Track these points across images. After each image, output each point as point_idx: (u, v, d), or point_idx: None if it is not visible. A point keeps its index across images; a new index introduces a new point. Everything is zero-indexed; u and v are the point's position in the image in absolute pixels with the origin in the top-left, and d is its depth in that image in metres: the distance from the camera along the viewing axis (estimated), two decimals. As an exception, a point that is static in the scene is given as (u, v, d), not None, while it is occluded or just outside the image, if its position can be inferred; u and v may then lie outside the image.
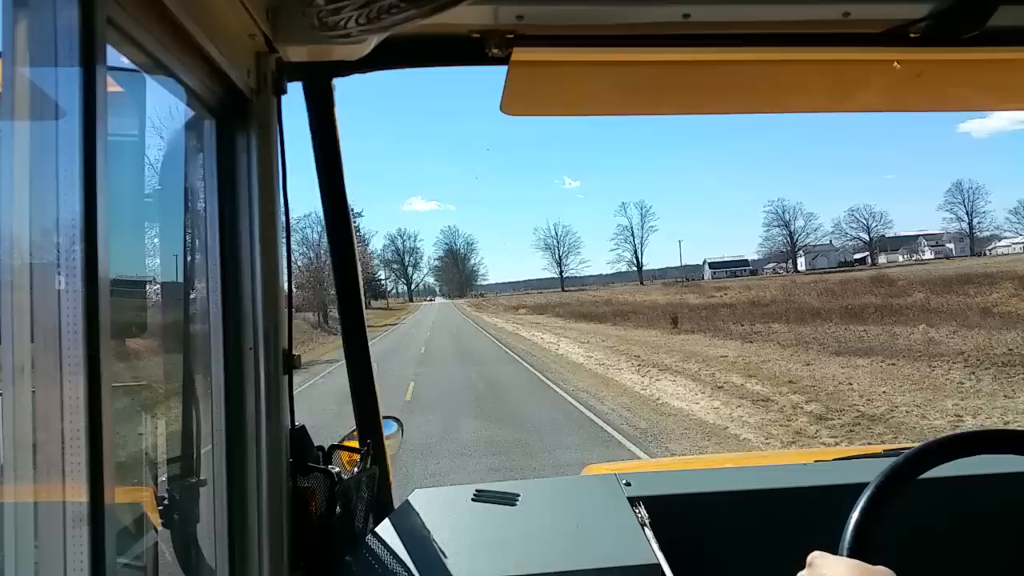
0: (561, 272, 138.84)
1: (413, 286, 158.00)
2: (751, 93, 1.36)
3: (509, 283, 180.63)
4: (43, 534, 0.52)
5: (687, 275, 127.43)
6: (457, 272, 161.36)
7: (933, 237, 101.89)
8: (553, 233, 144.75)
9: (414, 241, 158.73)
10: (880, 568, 0.69)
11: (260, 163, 0.99)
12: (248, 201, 0.98)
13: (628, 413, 10.25)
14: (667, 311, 31.80)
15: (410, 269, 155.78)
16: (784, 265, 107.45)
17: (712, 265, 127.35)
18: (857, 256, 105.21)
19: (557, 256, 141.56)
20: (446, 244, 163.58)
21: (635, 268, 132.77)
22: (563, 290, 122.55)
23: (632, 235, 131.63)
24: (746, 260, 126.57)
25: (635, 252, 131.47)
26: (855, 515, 0.80)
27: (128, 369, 0.92)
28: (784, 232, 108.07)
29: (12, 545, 0.52)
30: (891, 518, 0.81)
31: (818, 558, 0.73)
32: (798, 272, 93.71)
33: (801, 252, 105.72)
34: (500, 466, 7.30)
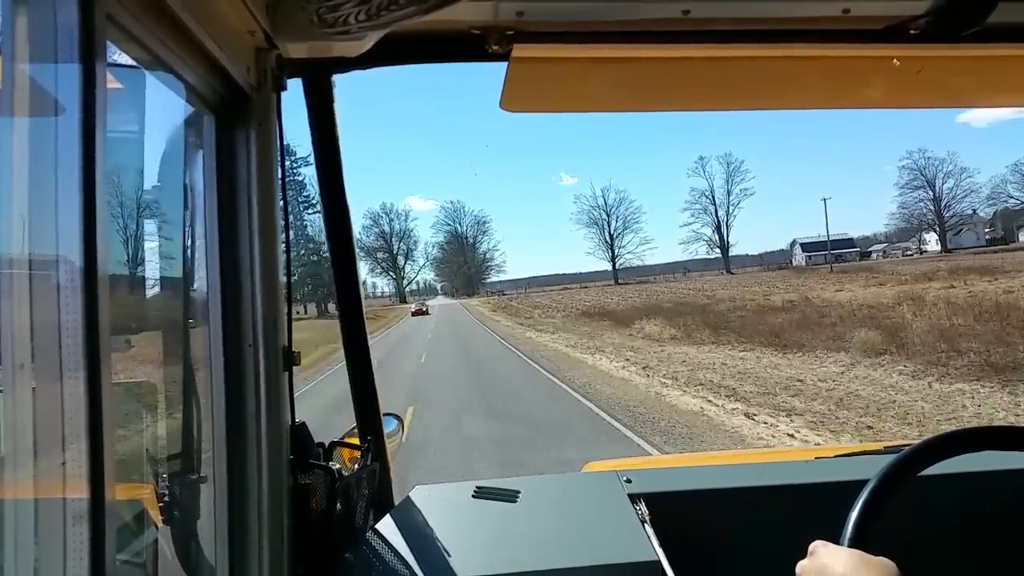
0: (614, 257, 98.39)
1: (407, 283, 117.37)
2: (751, 89, 1.35)
3: (535, 277, 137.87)
4: (43, 531, 0.52)
5: (774, 261, 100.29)
6: (464, 262, 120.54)
7: None
8: (601, 202, 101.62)
9: (405, 221, 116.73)
10: (881, 559, 0.70)
11: (260, 160, 0.99)
12: (248, 198, 0.98)
13: None
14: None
15: (400, 259, 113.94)
16: (909, 245, 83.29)
17: (806, 246, 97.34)
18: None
19: (607, 235, 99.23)
20: (448, 226, 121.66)
21: (714, 249, 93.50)
22: (617, 283, 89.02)
23: (713, 202, 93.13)
24: (851, 239, 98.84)
25: (717, 227, 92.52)
26: (857, 507, 0.80)
27: (128, 366, 0.92)
28: (926, 196, 76.18)
29: (12, 542, 0.52)
30: (893, 513, 0.81)
31: (820, 547, 0.75)
32: (947, 251, 68.97)
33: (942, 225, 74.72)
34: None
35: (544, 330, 28.57)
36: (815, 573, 0.73)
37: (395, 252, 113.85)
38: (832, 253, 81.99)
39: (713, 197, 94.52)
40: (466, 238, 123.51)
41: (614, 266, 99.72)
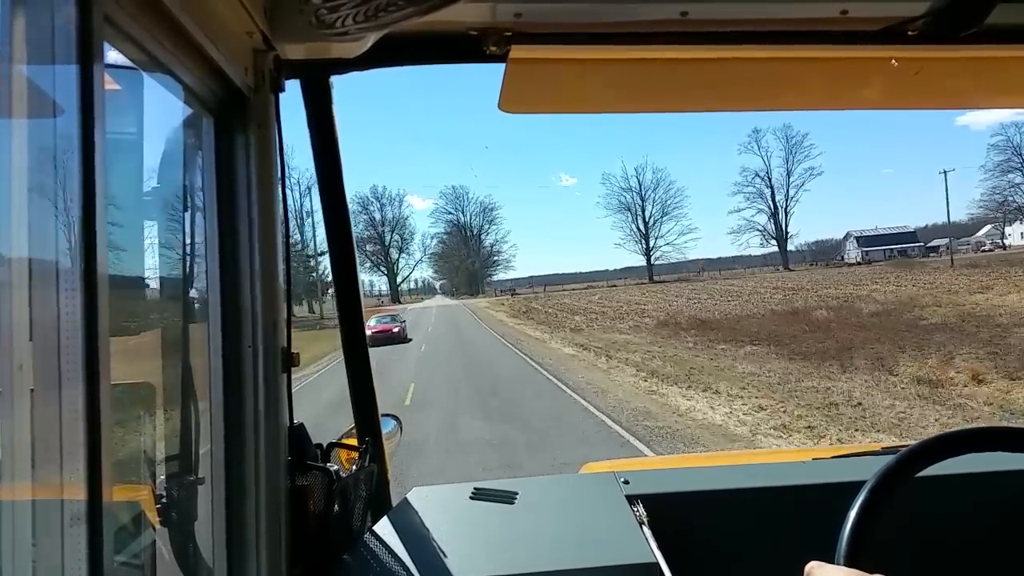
0: (648, 250, 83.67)
1: (401, 280, 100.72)
2: (749, 91, 1.36)
3: (547, 276, 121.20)
4: (41, 533, 0.52)
5: (821, 256, 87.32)
6: (467, 255, 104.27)
7: None
8: (635, 183, 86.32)
9: (399, 207, 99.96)
10: None
11: (259, 161, 0.99)
12: (247, 199, 0.98)
13: None
14: None
15: (394, 252, 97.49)
16: (983, 239, 70.16)
17: (863, 240, 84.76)
18: None
19: (641, 224, 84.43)
20: (449, 215, 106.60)
21: (769, 240, 79.76)
22: (651, 280, 76.03)
23: (769, 183, 78.26)
24: (912, 232, 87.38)
25: (774, 215, 78.11)
26: (849, 521, 0.79)
27: (126, 367, 0.92)
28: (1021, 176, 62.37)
29: (10, 543, 0.52)
30: (891, 514, 0.81)
31: (816, 568, 0.73)
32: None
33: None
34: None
35: (661, 374, 13.47)
36: None
37: (387, 244, 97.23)
38: (890, 248, 75.26)
39: (769, 178, 79.54)
40: (470, 228, 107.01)
41: (649, 260, 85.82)
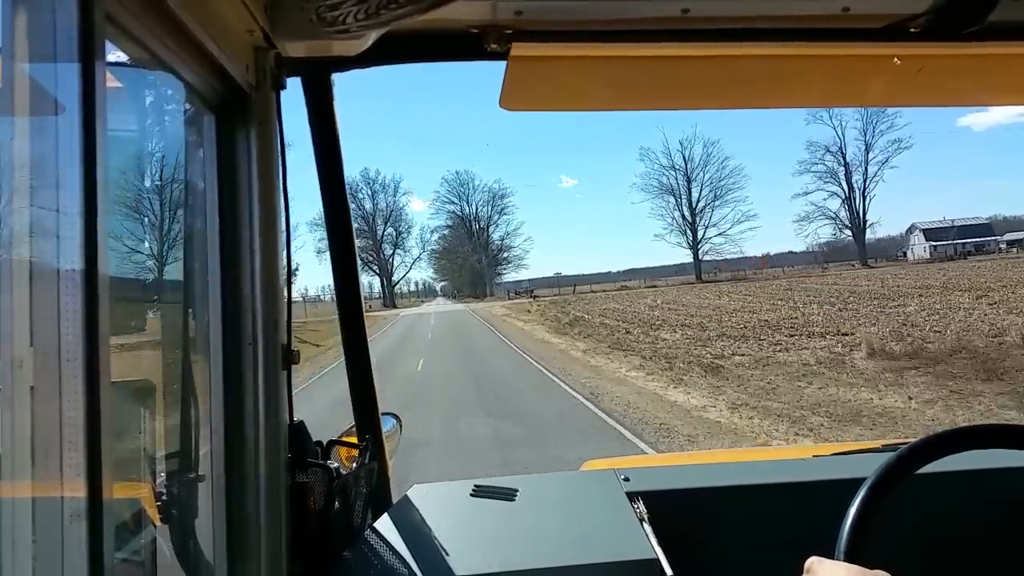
0: (695, 242, 67.33)
1: (397, 281, 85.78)
2: (751, 88, 1.35)
3: (578, 276, 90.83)
4: (41, 529, 0.52)
5: (879, 251, 73.25)
6: (472, 250, 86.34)
7: None
8: (679, 158, 69.51)
9: (395, 195, 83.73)
10: (878, 572, 0.69)
11: (260, 158, 0.99)
12: (248, 196, 0.98)
13: None
14: None
15: (388, 248, 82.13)
16: None
17: (931, 234, 70.47)
18: None
19: (687, 209, 68.34)
20: (451, 204, 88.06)
21: (843, 231, 64.89)
22: (699, 279, 61.43)
23: (843, 160, 62.16)
24: (987, 224, 74.35)
25: (848, 197, 62.68)
26: (850, 518, 0.79)
27: (127, 364, 0.92)
28: None
29: (10, 540, 0.52)
30: (890, 513, 0.81)
31: (816, 564, 0.73)
32: None
33: None
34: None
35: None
36: None
37: (380, 237, 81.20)
38: (967, 243, 63.14)
39: (843, 154, 62.42)
40: (476, 220, 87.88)
41: (696, 255, 68.56)
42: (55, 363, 0.52)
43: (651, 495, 1.29)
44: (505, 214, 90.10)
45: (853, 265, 61.90)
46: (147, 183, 1.06)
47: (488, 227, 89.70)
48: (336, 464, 1.17)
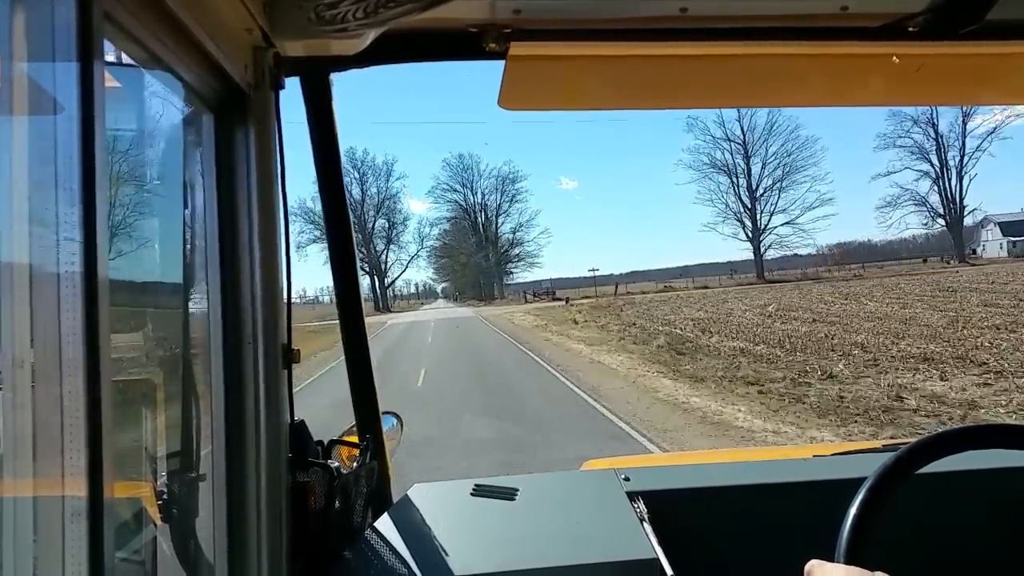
0: (757, 233, 54.77)
1: (392, 281, 73.03)
2: (749, 87, 1.35)
3: (605, 276, 77.26)
4: (42, 528, 0.52)
5: (933, 248, 61.58)
6: (477, 246, 73.84)
7: None
8: (736, 132, 56.68)
9: (387, 179, 71.14)
10: (878, 574, 0.69)
11: (258, 158, 0.99)
12: (247, 196, 0.98)
13: None
14: None
15: (380, 242, 69.71)
16: None
17: (1008, 227, 60.22)
18: None
19: (745, 193, 55.53)
20: (454, 193, 75.50)
21: (935, 220, 52.53)
22: (761, 277, 53.25)
23: (934, 133, 50.49)
24: None
25: (939, 178, 50.48)
26: (849, 519, 0.79)
27: (127, 363, 0.92)
28: None
29: (11, 539, 0.52)
30: (888, 516, 0.81)
31: (816, 567, 0.73)
32: None
33: None
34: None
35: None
36: None
37: (370, 230, 68.51)
38: None
39: (935, 127, 50.06)
40: (483, 210, 74.24)
41: (757, 251, 55.94)
42: (55, 362, 0.52)
43: (651, 495, 1.29)
44: (517, 201, 76.03)
45: (947, 262, 51.71)
46: (146, 183, 1.06)
47: (497, 217, 75.16)
48: (337, 463, 1.17)
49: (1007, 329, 13.63)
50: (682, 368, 12.69)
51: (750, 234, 56.70)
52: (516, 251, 75.96)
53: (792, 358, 12.70)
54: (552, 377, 12.93)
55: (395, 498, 1.41)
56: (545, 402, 10.24)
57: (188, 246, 1.00)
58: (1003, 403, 8.18)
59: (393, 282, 73.78)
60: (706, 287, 50.74)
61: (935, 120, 51.75)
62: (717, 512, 1.28)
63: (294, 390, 1.08)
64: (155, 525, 0.91)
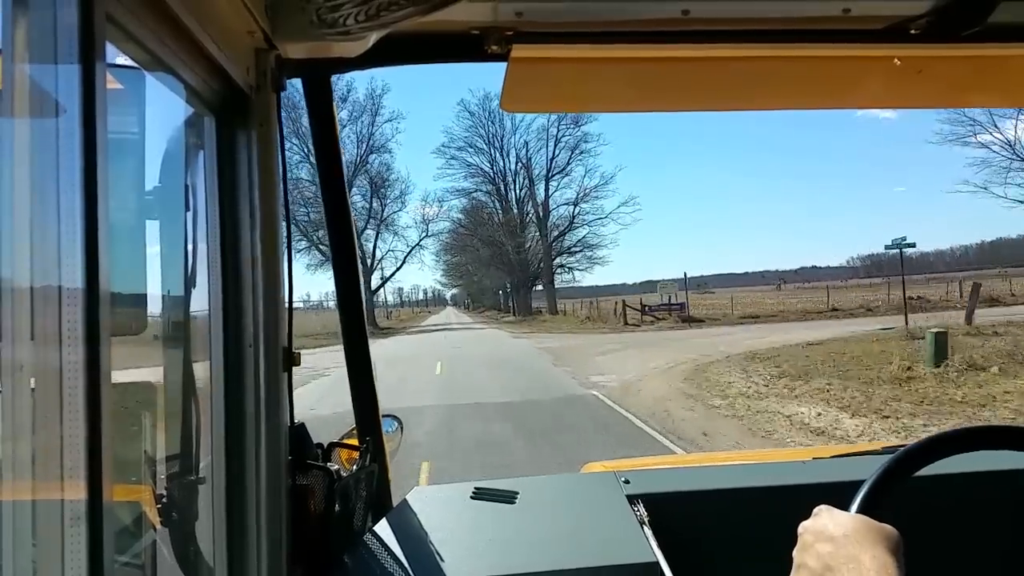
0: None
1: (382, 281, 49.54)
2: (751, 90, 1.36)
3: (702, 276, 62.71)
4: (41, 532, 0.52)
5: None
6: (507, 233, 46.58)
7: None
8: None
9: (373, 117, 45.61)
10: (884, 525, 0.69)
11: (260, 159, 0.99)
12: (249, 198, 0.98)
13: None
14: None
15: (370, 230, 45.59)
16: None
17: None
18: None
19: None
20: (476, 154, 49.53)
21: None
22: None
23: None
24: None
25: None
26: (872, 479, 0.80)
27: (127, 366, 0.92)
28: None
29: (10, 543, 0.52)
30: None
31: (824, 510, 0.74)
32: None
33: None
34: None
35: None
36: (812, 533, 0.73)
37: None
38: None
39: None
40: (522, 173, 48.39)
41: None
42: (56, 365, 0.52)
43: (651, 498, 1.29)
44: (584, 154, 47.23)
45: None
46: (147, 184, 1.06)
47: (547, 182, 47.00)
48: (336, 466, 1.17)
49: None
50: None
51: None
52: (580, 235, 47.59)
53: None
54: None
55: (395, 501, 1.41)
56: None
57: (189, 248, 1.00)
58: None
59: (384, 283, 51.29)
60: (841, 288, 31.38)
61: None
62: (717, 515, 1.28)
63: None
64: (155, 528, 0.90)
